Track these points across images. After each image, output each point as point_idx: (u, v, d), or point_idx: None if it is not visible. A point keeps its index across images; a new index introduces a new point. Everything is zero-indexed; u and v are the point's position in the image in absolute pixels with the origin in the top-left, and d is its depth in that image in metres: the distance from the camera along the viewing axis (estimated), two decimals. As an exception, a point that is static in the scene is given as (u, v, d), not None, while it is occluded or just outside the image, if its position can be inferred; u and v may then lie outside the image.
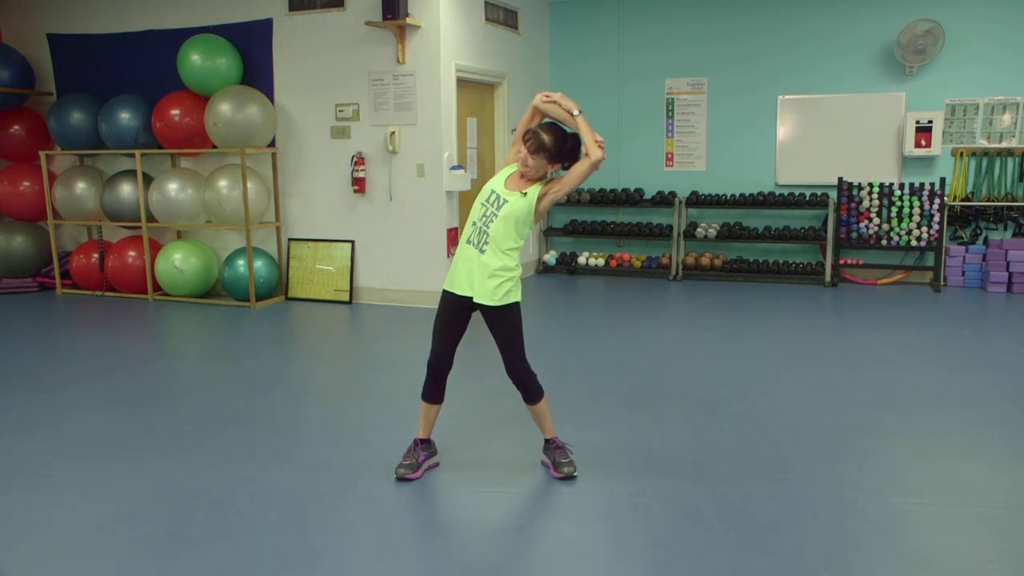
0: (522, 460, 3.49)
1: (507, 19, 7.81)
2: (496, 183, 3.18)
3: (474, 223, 3.16)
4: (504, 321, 3.18)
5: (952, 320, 6.33)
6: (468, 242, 3.17)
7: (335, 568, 2.64)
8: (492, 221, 3.11)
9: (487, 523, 2.98)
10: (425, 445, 3.36)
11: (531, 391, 3.28)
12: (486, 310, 3.17)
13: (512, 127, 7.96)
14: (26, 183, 7.75)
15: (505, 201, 3.11)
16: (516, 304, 3.19)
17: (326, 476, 3.33)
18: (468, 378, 4.75)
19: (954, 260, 7.60)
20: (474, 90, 7.45)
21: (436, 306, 3.32)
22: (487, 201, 3.15)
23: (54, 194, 7.59)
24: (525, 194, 3.12)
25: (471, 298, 3.17)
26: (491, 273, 3.11)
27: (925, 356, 5.18)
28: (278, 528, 2.90)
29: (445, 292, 3.25)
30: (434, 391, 3.31)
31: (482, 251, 3.12)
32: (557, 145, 3.09)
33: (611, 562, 2.67)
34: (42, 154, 7.61)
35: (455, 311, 3.24)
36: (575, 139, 3.15)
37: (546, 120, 3.22)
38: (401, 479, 3.26)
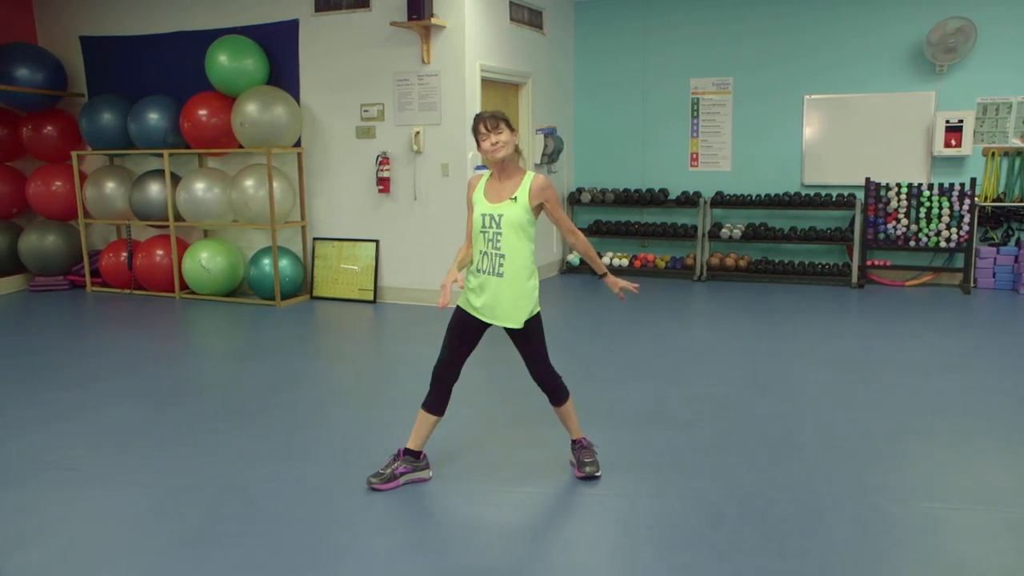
0: (546, 460, 3.49)
1: (532, 19, 7.81)
2: (481, 207, 3.10)
3: (482, 251, 3.10)
4: (529, 334, 3.15)
5: (982, 323, 6.23)
6: (480, 271, 3.11)
7: (359, 565, 2.66)
8: (499, 239, 3.06)
9: (510, 523, 2.98)
10: (410, 458, 3.25)
11: (557, 393, 3.26)
12: (510, 329, 3.14)
13: (536, 128, 7.96)
14: (58, 183, 7.87)
15: (501, 215, 3.05)
16: (538, 315, 3.17)
17: (350, 474, 3.35)
18: (492, 378, 4.76)
19: (985, 262, 7.48)
20: (499, 90, 7.46)
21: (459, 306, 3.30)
22: (485, 226, 3.08)
23: (85, 194, 7.71)
24: (515, 199, 3.05)
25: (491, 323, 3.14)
26: (513, 300, 3.08)
27: (954, 359, 5.10)
28: (302, 525, 2.93)
29: (460, 308, 3.19)
30: (437, 402, 3.19)
31: (500, 275, 3.07)
32: (504, 119, 3.07)
33: (633, 563, 2.66)
34: (73, 154, 7.73)
35: (471, 328, 3.16)
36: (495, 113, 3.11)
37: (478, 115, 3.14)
38: (371, 488, 3.19)
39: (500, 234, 3.06)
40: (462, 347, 3.18)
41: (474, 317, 3.15)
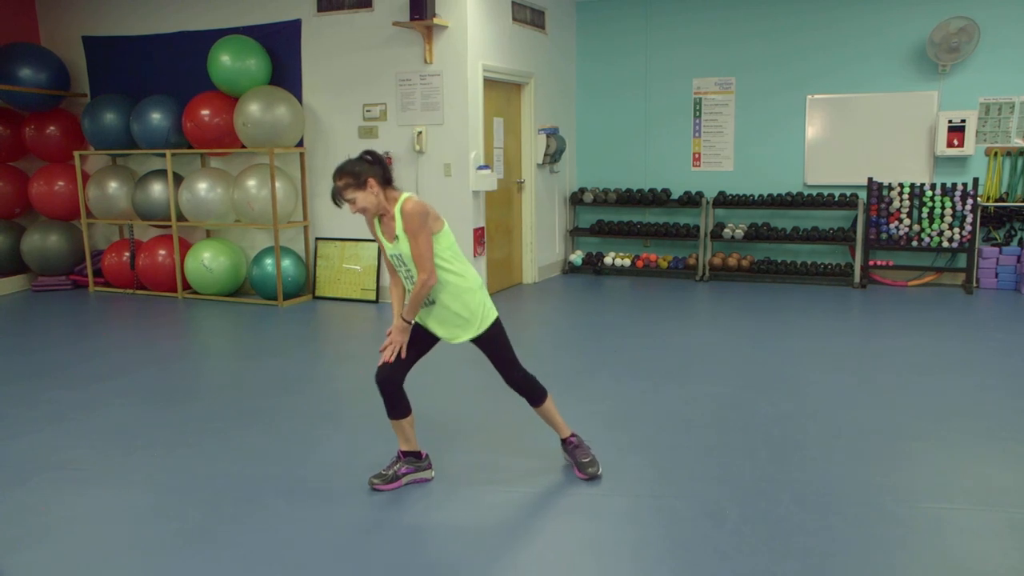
0: (547, 459, 3.48)
1: (534, 19, 7.81)
2: (385, 247, 3.09)
3: (408, 288, 3.10)
4: (489, 341, 3.15)
5: (985, 323, 6.22)
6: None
7: (360, 565, 2.66)
8: (412, 274, 3.03)
9: (512, 523, 2.98)
10: (411, 458, 3.25)
11: (533, 395, 3.26)
12: (474, 340, 3.15)
13: (539, 128, 7.96)
14: (60, 183, 7.89)
15: (399, 253, 3.02)
16: (495, 321, 3.15)
17: (352, 474, 3.35)
18: (493, 377, 4.76)
19: (987, 262, 7.47)
20: (501, 90, 7.46)
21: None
22: (397, 265, 3.09)
23: (87, 193, 7.73)
24: (397, 236, 3.00)
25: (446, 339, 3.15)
26: (461, 314, 3.07)
27: (956, 360, 5.10)
28: (304, 525, 2.93)
29: (416, 324, 3.15)
30: (395, 409, 3.16)
31: (434, 301, 3.08)
32: (348, 175, 2.98)
33: (634, 563, 2.66)
34: (76, 154, 7.75)
35: (425, 340, 3.17)
36: (364, 156, 3.05)
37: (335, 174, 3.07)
38: (373, 489, 3.19)
39: (410, 269, 3.03)
40: (410, 354, 3.14)
41: (429, 332, 3.17)
